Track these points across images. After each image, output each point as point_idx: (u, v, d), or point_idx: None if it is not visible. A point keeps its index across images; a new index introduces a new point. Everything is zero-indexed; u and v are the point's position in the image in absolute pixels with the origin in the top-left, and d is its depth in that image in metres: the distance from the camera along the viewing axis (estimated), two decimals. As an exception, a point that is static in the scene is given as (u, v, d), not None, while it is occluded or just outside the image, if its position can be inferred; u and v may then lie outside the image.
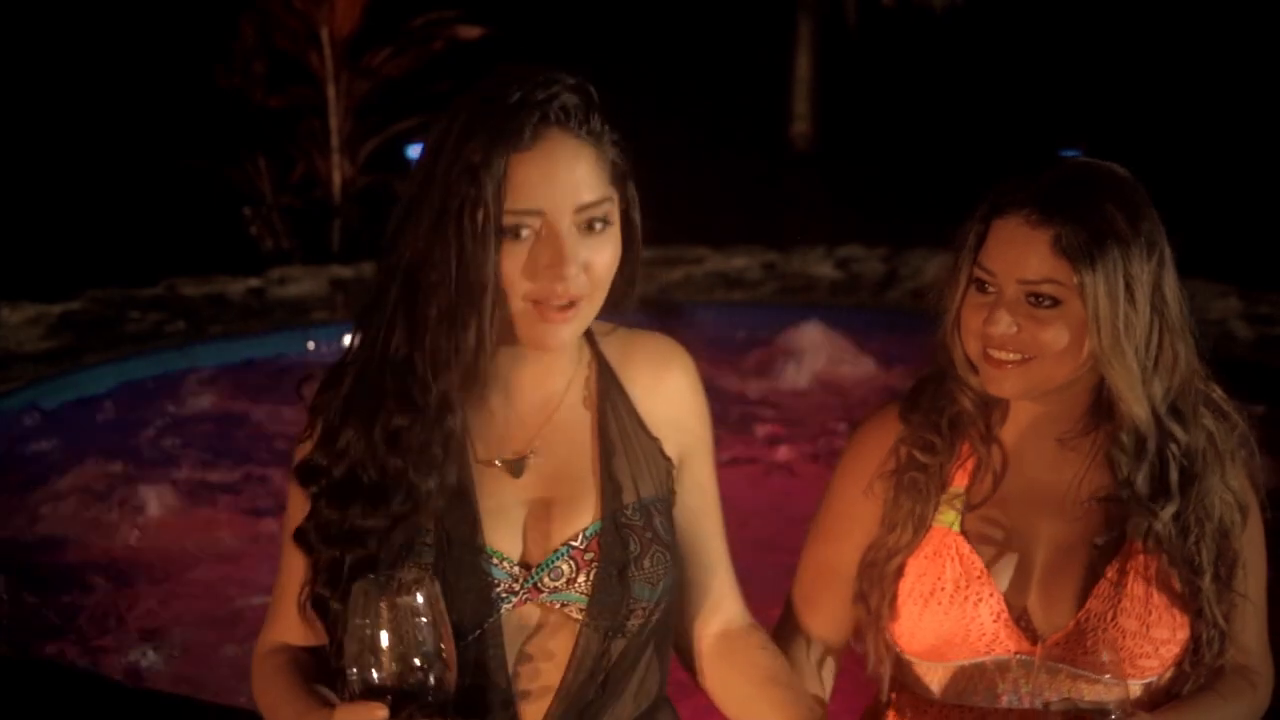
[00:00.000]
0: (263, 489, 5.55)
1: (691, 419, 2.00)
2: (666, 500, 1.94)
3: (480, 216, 1.74)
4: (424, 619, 1.64)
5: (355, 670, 1.64)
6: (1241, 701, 2.11)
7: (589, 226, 1.79)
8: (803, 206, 11.66)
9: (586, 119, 1.80)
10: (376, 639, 1.63)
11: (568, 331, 1.82)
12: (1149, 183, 2.05)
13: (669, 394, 1.98)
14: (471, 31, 9.51)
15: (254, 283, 8.07)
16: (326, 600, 1.82)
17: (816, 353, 6.97)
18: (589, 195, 1.79)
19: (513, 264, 1.77)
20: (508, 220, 1.75)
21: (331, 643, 1.83)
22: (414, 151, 11.34)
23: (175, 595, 4.81)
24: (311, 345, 6.99)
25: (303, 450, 1.89)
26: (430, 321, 1.78)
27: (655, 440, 1.95)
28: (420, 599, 1.64)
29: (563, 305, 1.79)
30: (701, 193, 10.11)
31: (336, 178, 9.51)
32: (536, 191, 1.76)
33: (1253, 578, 2.11)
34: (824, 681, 2.17)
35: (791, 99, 13.61)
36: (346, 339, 1.92)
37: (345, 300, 7.88)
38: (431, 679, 1.64)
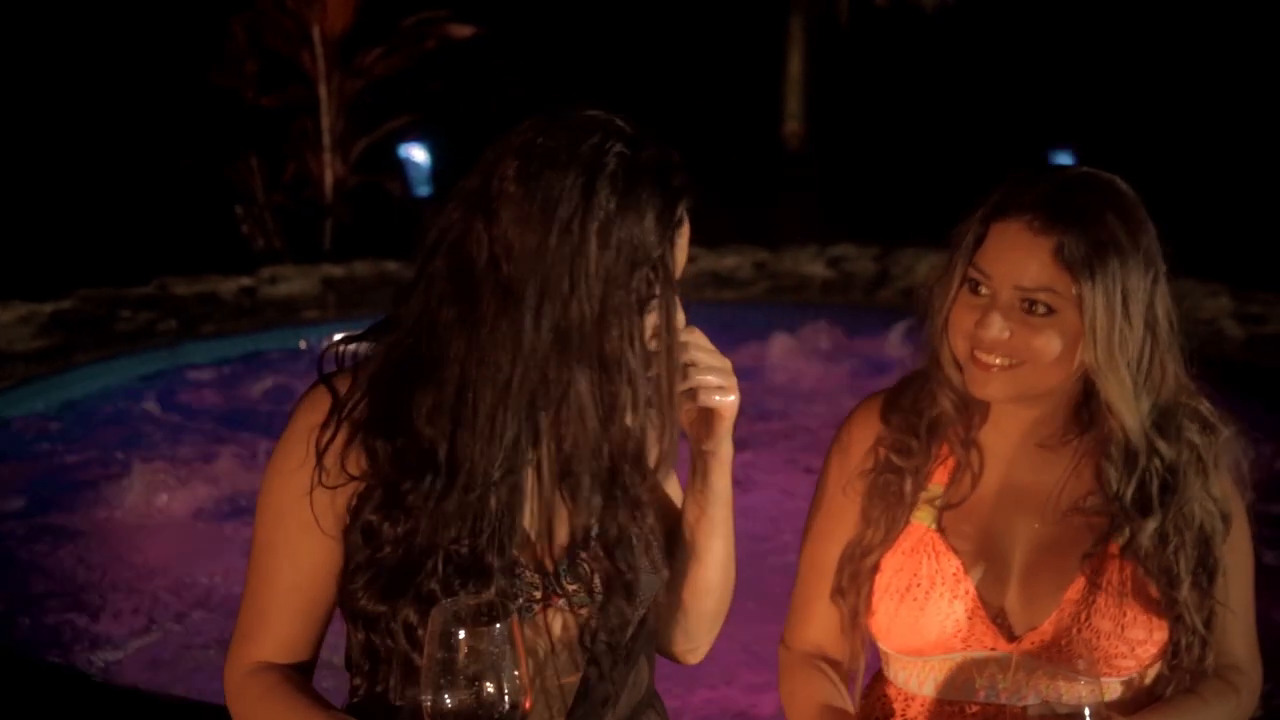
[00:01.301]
0: (256, 488, 5.54)
1: None
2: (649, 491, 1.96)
3: (652, 296, 1.78)
4: (504, 647, 1.64)
5: (430, 695, 1.64)
6: (1224, 703, 2.10)
7: None
8: (794, 205, 11.69)
9: None
10: (455, 666, 1.63)
11: None
12: (1140, 183, 2.04)
13: None
14: (463, 30, 9.53)
15: (245, 282, 8.07)
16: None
17: (807, 353, 6.98)
18: None
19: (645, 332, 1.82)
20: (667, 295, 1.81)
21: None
22: (405, 151, 11.34)
23: (168, 594, 4.81)
24: (303, 344, 6.99)
25: (337, 479, 1.86)
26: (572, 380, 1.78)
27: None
28: (499, 628, 1.65)
29: None
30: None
31: (328, 177, 9.52)
32: (678, 268, 1.82)
33: (1236, 584, 2.10)
34: (833, 676, 2.17)
35: (784, 98, 13.65)
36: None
37: (336, 299, 7.88)
38: (507, 704, 1.64)
